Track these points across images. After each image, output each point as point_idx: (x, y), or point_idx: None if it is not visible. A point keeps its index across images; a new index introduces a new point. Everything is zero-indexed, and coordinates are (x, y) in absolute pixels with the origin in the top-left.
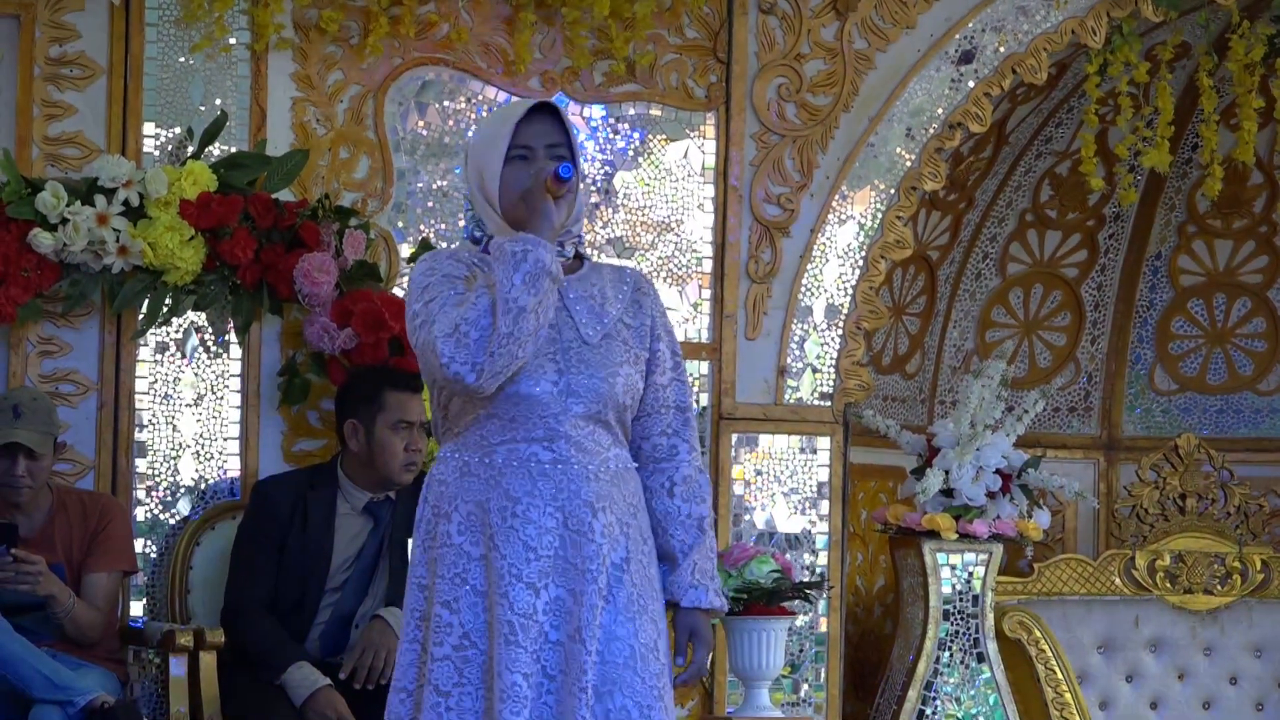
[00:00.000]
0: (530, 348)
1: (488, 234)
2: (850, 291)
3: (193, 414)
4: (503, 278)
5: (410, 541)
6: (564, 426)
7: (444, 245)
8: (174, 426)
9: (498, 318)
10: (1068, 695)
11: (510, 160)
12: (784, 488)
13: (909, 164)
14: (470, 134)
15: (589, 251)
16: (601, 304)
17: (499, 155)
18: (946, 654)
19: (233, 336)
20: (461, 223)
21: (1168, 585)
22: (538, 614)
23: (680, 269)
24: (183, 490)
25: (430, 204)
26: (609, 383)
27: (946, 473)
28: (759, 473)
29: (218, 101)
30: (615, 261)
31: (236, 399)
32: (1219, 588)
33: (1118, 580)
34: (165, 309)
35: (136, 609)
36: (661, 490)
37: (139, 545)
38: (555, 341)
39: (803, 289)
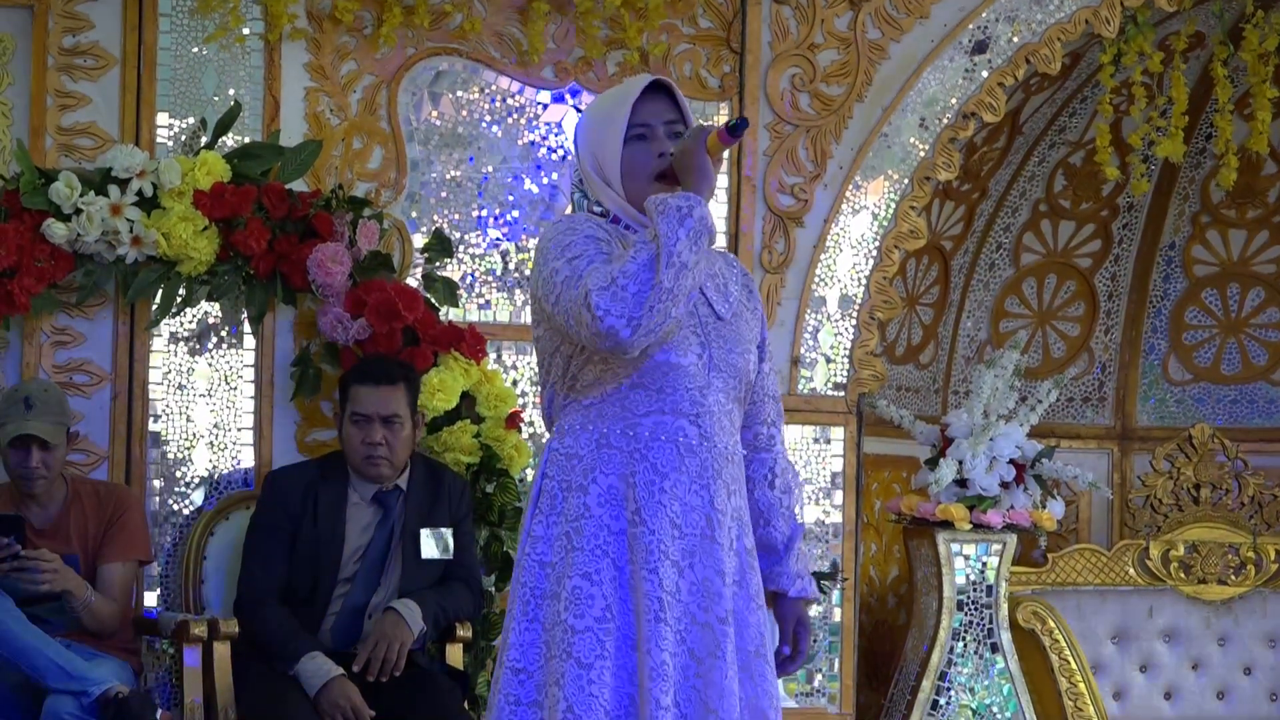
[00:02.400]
0: (684, 308)
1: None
2: (864, 281)
3: (206, 404)
4: (667, 230)
5: (423, 531)
6: (708, 401)
7: (457, 235)
8: (188, 417)
9: (660, 271)
10: (1081, 685)
11: (630, 140)
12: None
13: (923, 154)
14: (484, 124)
15: None
16: (725, 284)
17: (618, 134)
18: (960, 644)
19: (246, 327)
20: (475, 212)
21: (1182, 575)
22: (683, 593)
23: None
24: (196, 480)
25: (444, 194)
26: (744, 359)
27: (960, 463)
28: None
29: (231, 92)
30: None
31: (250, 389)
32: (1233, 578)
33: (1132, 570)
34: (179, 299)
35: (151, 599)
36: (763, 481)
37: (153, 535)
38: (694, 315)
39: (816, 279)
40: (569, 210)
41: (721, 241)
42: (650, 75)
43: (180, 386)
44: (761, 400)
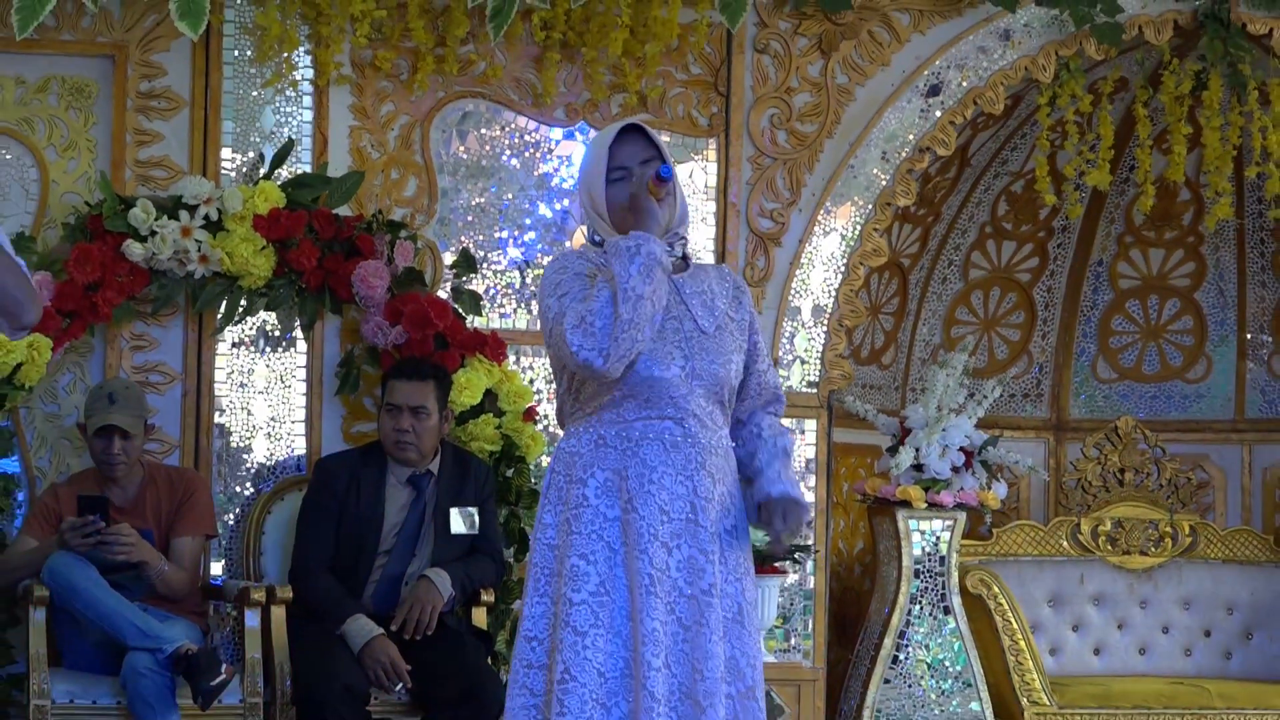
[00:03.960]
0: (649, 331)
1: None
2: (833, 294)
3: (264, 400)
4: (620, 270)
5: (452, 510)
6: (690, 405)
7: (481, 254)
8: (248, 411)
9: (619, 306)
10: (1022, 643)
11: (612, 181)
12: None
13: (884, 183)
14: (505, 158)
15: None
16: (711, 299)
17: (602, 178)
18: (917, 607)
19: (299, 333)
20: (496, 234)
21: (1109, 547)
22: (671, 570)
23: None
24: (255, 466)
25: (470, 218)
26: (725, 368)
27: (917, 450)
28: None
29: (286, 130)
30: (712, 262)
31: (302, 387)
32: (1153, 549)
33: (1065, 543)
34: (240, 309)
35: (216, 569)
36: (751, 436)
37: (218, 513)
38: (679, 331)
39: (792, 291)
40: (580, 231)
41: (708, 259)
42: (625, 120)
43: (242, 385)
44: (759, 394)
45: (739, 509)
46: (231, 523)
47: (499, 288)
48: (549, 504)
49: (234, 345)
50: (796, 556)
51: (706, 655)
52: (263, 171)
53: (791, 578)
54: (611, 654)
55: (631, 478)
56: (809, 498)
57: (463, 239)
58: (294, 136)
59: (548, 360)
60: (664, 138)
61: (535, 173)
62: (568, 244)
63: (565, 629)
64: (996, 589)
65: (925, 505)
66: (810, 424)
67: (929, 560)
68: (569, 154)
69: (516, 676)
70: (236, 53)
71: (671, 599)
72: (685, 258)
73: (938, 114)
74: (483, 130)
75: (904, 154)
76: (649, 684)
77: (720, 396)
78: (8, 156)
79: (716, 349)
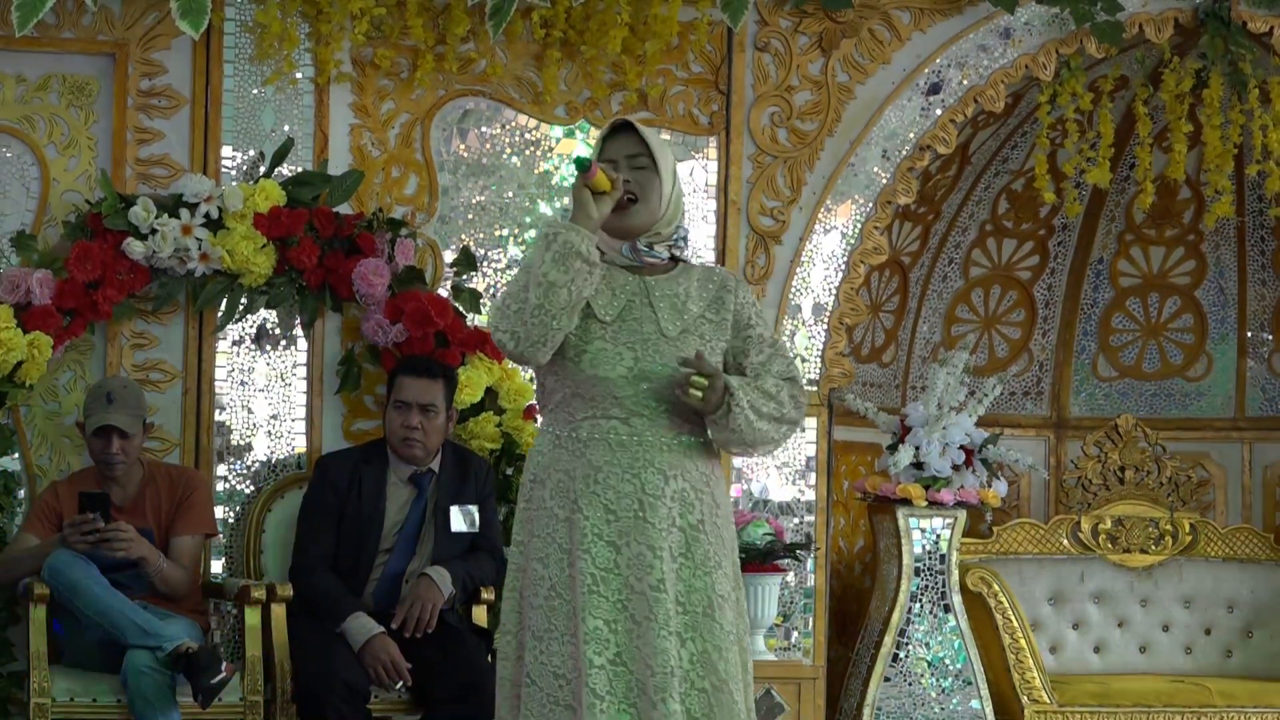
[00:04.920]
0: (567, 320)
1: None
2: (834, 292)
3: (265, 398)
4: (535, 256)
5: (452, 508)
6: (637, 405)
7: (482, 252)
8: (249, 409)
9: (530, 291)
10: (1022, 641)
11: None
12: (776, 461)
13: (884, 181)
14: (505, 156)
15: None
16: (684, 302)
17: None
18: (917, 605)
19: (299, 331)
20: (497, 232)
21: (1109, 546)
22: (620, 568)
23: None
24: (256, 464)
25: (470, 216)
26: (680, 371)
27: (917, 448)
28: None
29: (286, 128)
30: (708, 263)
31: (303, 385)
32: (1153, 548)
33: (1065, 541)
34: (241, 307)
35: (216, 567)
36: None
37: (218, 512)
38: (636, 333)
39: (793, 290)
40: None
41: (709, 257)
42: (620, 118)
43: (242, 383)
44: (764, 379)
45: (712, 504)
46: (232, 521)
47: (499, 286)
48: (520, 503)
49: (234, 343)
50: (797, 554)
51: (655, 650)
52: (263, 169)
53: (791, 576)
54: (566, 656)
55: (579, 479)
56: (809, 496)
57: (463, 237)
58: (294, 135)
59: None
60: (664, 136)
61: (536, 171)
62: None
63: (526, 632)
64: (997, 587)
65: (925, 503)
66: (810, 422)
67: (929, 558)
68: (569, 152)
69: (498, 669)
70: (237, 51)
71: (623, 596)
72: (677, 259)
73: (938, 112)
74: (483, 128)
75: (904, 152)
76: (591, 682)
77: (673, 398)
78: (8, 154)
79: (674, 352)
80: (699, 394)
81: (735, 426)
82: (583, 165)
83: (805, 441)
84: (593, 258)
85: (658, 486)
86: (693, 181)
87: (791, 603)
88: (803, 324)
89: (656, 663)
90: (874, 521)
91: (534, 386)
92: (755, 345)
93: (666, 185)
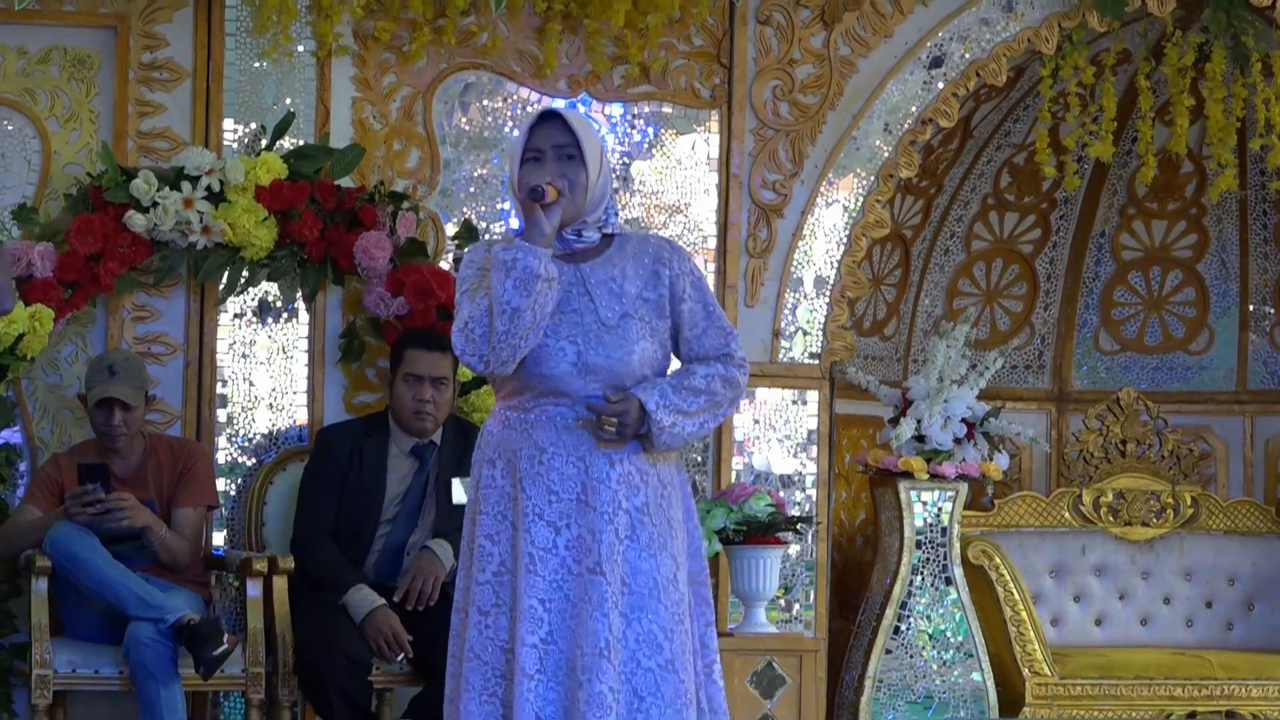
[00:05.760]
0: (534, 337)
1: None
2: (836, 265)
3: (266, 371)
4: (496, 284)
5: (454, 480)
6: (585, 393)
7: (483, 225)
8: (250, 382)
9: (493, 319)
10: (1024, 613)
11: (525, 162)
12: (778, 435)
13: (886, 155)
14: (507, 129)
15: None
16: (621, 284)
17: (518, 159)
18: (919, 578)
19: (301, 304)
20: (498, 205)
21: (1110, 519)
22: (559, 549)
23: (688, 246)
24: (258, 436)
25: (471, 189)
26: (627, 358)
27: (919, 421)
28: (756, 421)
29: (287, 101)
30: (643, 232)
31: (304, 358)
32: (1154, 521)
33: (1067, 514)
34: (242, 280)
35: (218, 539)
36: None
37: (220, 484)
38: (577, 325)
39: (794, 263)
40: None
41: (711, 231)
42: (548, 107)
43: (244, 355)
44: (701, 359)
45: (659, 485)
46: (233, 493)
47: None
48: (472, 481)
49: (236, 316)
50: (799, 527)
51: (587, 632)
52: (264, 143)
53: (793, 548)
54: (511, 631)
55: (524, 459)
56: (811, 469)
57: (465, 210)
58: (296, 108)
59: None
60: (666, 110)
61: None
62: None
63: (472, 608)
64: (998, 560)
65: (927, 476)
66: (812, 395)
67: (931, 531)
68: None
69: (449, 645)
70: (238, 24)
71: (559, 577)
72: (609, 236)
73: (940, 86)
74: (485, 101)
75: (906, 126)
76: (520, 660)
77: (621, 381)
78: (9, 127)
79: (616, 341)
80: (613, 430)
81: (665, 443)
82: (537, 195)
83: (807, 415)
84: (551, 274)
85: (603, 470)
86: (695, 155)
87: (793, 575)
88: (804, 297)
89: (587, 644)
90: (875, 494)
91: None
92: (689, 320)
93: (592, 175)
